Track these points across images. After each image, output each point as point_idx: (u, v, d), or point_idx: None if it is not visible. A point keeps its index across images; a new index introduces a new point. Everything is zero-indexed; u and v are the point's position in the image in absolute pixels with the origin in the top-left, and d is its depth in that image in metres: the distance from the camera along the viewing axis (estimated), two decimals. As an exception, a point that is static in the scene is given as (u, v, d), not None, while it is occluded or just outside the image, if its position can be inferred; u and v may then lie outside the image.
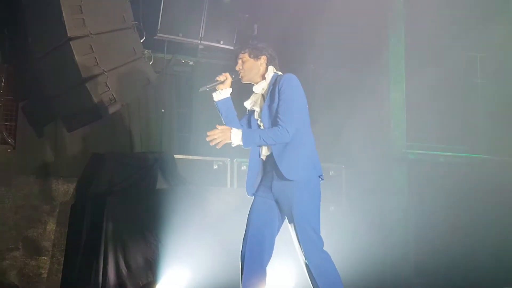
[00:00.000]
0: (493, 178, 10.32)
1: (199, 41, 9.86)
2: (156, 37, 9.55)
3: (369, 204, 9.83)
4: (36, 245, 9.10)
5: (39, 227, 9.13)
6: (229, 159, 9.59)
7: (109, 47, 8.54)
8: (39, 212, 9.16)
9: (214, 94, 6.11)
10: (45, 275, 9.08)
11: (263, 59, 6.14)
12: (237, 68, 6.17)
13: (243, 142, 5.77)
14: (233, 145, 5.83)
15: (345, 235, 8.73)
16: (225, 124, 5.97)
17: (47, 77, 8.60)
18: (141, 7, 9.31)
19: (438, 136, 10.63)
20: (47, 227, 9.15)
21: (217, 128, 5.78)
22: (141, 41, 9.08)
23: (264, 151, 5.98)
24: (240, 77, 6.16)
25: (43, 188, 9.27)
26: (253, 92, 6.19)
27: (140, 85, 8.95)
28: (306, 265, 5.71)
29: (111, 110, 8.72)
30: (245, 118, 6.20)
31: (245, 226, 6.00)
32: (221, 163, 9.58)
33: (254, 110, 6.12)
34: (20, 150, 9.47)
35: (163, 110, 10.29)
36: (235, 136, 5.75)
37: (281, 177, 5.78)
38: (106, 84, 8.39)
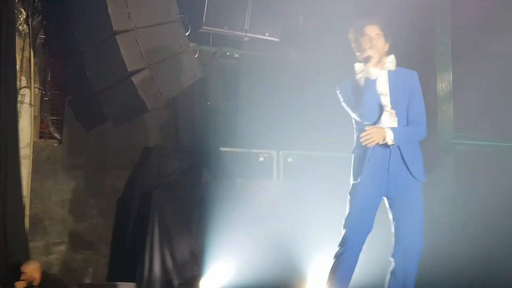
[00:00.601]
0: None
1: (244, 34, 9.81)
2: (201, 30, 9.51)
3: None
4: (83, 239, 9.17)
5: (85, 221, 9.21)
6: (275, 151, 9.57)
7: (155, 41, 8.54)
8: (85, 206, 9.25)
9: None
10: (91, 269, 9.16)
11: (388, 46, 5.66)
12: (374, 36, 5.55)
13: (395, 141, 5.46)
14: (389, 143, 5.45)
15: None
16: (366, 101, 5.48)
17: (93, 71, 8.63)
18: (186, 0, 9.30)
19: (485, 126, 10.48)
20: (94, 221, 9.23)
21: (368, 129, 5.41)
22: (186, 34, 9.07)
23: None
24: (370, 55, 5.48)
25: (90, 182, 9.35)
26: (370, 72, 5.48)
27: (186, 78, 8.94)
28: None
29: (157, 103, 8.75)
30: (357, 86, 5.54)
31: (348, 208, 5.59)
32: (267, 155, 9.57)
33: (375, 82, 5.45)
34: (66, 144, 9.51)
35: (208, 103, 10.29)
36: (389, 136, 5.42)
37: (406, 175, 5.54)
38: (152, 77, 8.40)
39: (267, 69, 10.47)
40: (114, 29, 8.21)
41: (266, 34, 9.95)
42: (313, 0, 10.45)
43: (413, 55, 9.67)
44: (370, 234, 5.55)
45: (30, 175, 9.07)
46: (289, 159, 9.59)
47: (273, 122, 9.88)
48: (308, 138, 9.77)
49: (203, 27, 9.51)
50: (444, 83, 10.12)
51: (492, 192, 9.49)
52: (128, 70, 8.30)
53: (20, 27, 9.29)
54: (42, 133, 9.57)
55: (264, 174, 9.53)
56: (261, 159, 9.58)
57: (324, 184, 8.67)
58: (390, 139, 5.42)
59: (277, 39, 10.00)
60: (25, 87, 9.26)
